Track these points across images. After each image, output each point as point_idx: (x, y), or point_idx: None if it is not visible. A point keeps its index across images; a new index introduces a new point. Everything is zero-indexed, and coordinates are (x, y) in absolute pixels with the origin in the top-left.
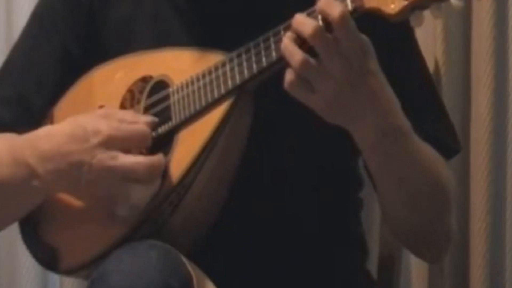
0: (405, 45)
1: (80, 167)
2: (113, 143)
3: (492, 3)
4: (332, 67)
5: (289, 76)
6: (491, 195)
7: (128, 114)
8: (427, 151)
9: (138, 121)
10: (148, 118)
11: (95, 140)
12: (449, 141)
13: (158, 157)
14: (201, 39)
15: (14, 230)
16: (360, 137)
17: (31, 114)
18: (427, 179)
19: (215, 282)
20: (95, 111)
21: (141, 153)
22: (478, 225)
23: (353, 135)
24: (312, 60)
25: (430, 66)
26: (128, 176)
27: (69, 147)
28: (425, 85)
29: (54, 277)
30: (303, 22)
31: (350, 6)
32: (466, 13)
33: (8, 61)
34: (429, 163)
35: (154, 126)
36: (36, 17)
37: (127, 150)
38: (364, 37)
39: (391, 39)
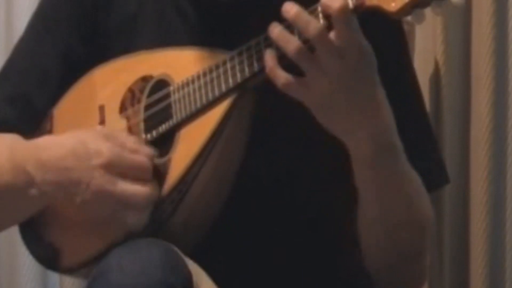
0: (400, 81)
1: (78, 185)
2: (113, 168)
3: (492, 3)
4: (327, 62)
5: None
6: (491, 195)
7: (130, 140)
8: (414, 176)
9: (139, 151)
10: (149, 150)
11: (96, 161)
12: (437, 173)
13: (154, 188)
14: (204, 41)
15: (14, 230)
16: (355, 148)
17: (34, 113)
18: (410, 207)
19: (215, 281)
20: (97, 129)
21: None
22: (478, 225)
23: (348, 146)
24: (307, 50)
25: (430, 66)
26: (124, 203)
27: (69, 163)
28: (418, 116)
29: (54, 277)
30: (303, 19)
31: (351, 3)
32: (466, 13)
33: (11, 60)
34: (415, 189)
35: (153, 159)
36: (39, 16)
37: (124, 176)
38: (367, 44)
39: (386, 72)
